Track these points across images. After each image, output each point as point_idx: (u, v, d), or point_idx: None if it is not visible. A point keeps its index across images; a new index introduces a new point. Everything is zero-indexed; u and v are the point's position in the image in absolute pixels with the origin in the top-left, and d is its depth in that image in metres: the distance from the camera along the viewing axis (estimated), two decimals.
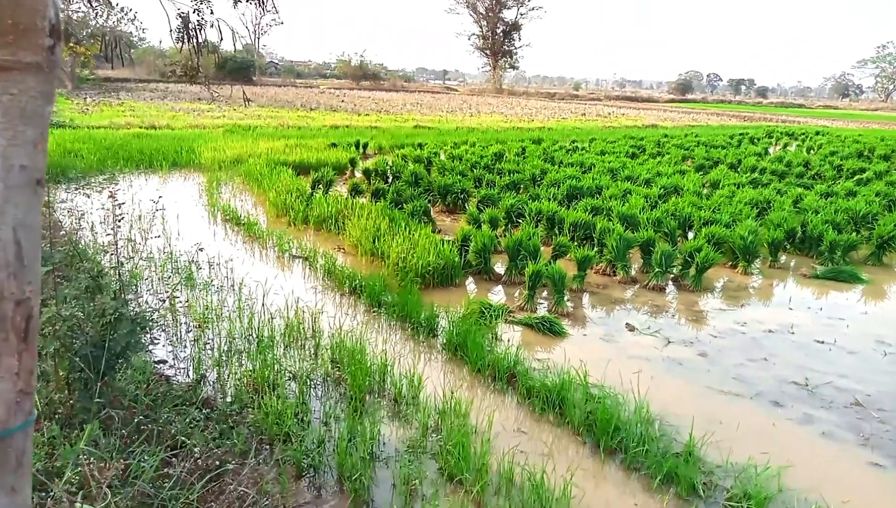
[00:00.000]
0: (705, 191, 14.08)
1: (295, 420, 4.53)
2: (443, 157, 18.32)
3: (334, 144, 19.76)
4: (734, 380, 5.80)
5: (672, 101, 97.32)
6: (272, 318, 6.38)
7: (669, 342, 6.63)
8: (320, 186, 12.82)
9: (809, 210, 11.71)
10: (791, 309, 7.87)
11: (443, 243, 8.42)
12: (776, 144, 29.85)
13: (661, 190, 13.06)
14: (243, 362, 5.43)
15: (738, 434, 4.79)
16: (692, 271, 8.51)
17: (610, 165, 16.34)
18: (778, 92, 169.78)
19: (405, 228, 9.07)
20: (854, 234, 10.33)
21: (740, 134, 31.25)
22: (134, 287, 6.85)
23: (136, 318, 4.11)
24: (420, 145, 20.83)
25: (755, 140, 29.36)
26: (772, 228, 10.22)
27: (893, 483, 4.35)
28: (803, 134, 34.40)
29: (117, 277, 4.55)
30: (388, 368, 5.39)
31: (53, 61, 1.44)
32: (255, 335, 5.95)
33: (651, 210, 11.10)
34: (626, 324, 7.07)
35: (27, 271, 1.45)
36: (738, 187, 14.17)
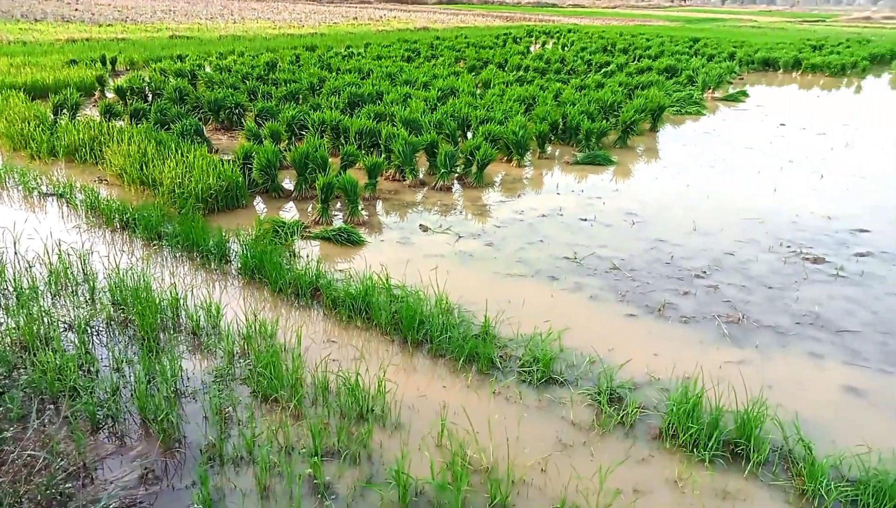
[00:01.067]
0: (479, 91, 14.77)
1: (80, 373, 4.12)
2: (209, 69, 16.78)
3: (74, 61, 16.99)
4: (518, 263, 6.42)
5: (440, 2, 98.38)
6: (31, 266, 5.55)
7: (460, 237, 7.08)
8: (65, 110, 11.07)
9: (567, 103, 12.91)
10: (559, 194, 8.79)
11: (222, 164, 7.87)
12: (536, 43, 32.05)
13: (439, 92, 13.42)
14: (3, 320, 4.71)
15: (525, 310, 5.37)
16: (474, 168, 9.03)
17: (388, 70, 16.30)
18: None
19: (176, 150, 8.28)
20: (604, 122, 11.67)
21: (504, 34, 32.93)
22: None
23: None
24: (180, 58, 18.74)
25: (518, 39, 31.19)
26: (538, 121, 11.13)
27: (643, 328, 5.26)
28: (558, 32, 37.29)
29: None
30: (181, 301, 5.06)
31: None
32: (11, 289, 5.15)
33: (431, 113, 11.40)
34: (420, 225, 7.37)
35: None
36: (507, 86, 15.09)
